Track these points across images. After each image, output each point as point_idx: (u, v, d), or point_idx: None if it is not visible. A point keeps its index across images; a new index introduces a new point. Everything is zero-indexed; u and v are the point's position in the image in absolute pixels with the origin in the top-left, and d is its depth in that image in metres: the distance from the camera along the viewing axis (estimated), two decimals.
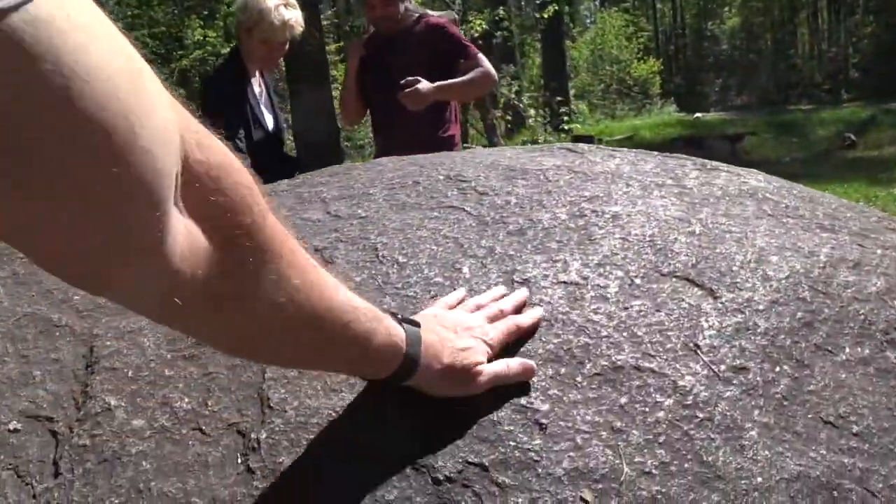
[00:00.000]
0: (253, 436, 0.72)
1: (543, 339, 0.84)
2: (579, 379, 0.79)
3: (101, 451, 0.75)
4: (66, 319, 0.98)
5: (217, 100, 2.74)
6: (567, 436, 0.73)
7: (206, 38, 16.64)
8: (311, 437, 0.71)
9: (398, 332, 0.67)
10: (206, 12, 18.44)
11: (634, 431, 0.74)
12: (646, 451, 0.73)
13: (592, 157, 1.43)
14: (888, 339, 1.00)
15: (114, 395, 0.81)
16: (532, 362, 0.79)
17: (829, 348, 0.93)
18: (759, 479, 0.72)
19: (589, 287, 0.94)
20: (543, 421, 0.74)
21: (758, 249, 1.11)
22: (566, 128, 8.65)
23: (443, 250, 1.01)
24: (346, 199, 1.23)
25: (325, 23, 14.77)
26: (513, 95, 8.72)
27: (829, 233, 1.31)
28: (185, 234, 0.46)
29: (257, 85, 2.89)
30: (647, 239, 1.07)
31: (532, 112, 8.43)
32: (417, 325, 0.71)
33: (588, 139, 9.59)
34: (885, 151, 10.40)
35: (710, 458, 0.73)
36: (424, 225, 1.09)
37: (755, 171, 1.59)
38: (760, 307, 0.95)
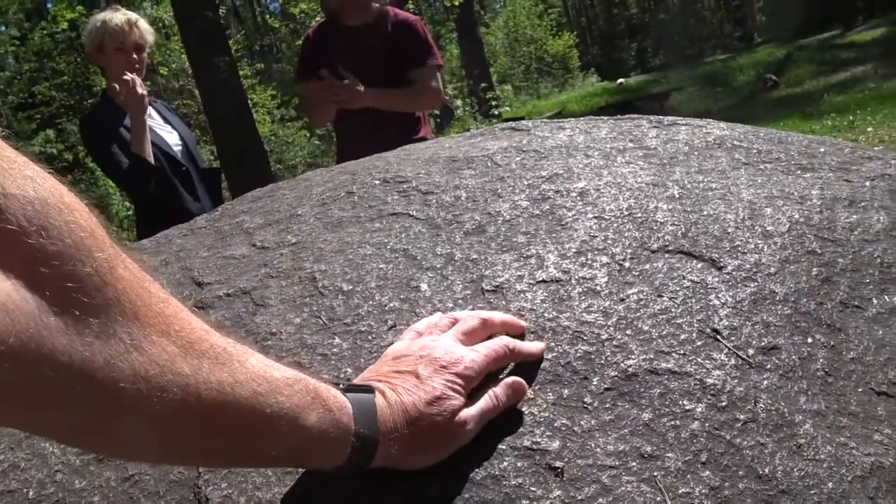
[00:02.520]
0: None
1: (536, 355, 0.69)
2: (588, 399, 0.64)
3: None
4: None
5: (93, 137, 2.61)
6: (590, 477, 0.57)
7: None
8: None
9: (341, 406, 0.53)
10: None
11: (669, 454, 0.59)
12: (688, 476, 0.58)
13: (540, 133, 1.28)
14: None
15: None
16: (520, 378, 0.63)
17: (857, 303, 0.80)
18: (830, 485, 0.58)
19: (573, 282, 0.79)
20: (557, 464, 0.58)
21: (747, 203, 0.98)
22: (496, 112, 8.55)
23: (393, 267, 0.85)
24: (272, 226, 1.06)
25: (234, 47, 14.40)
26: None
27: (811, 172, 1.19)
28: None
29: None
30: (625, 213, 0.92)
31: (459, 103, 8.31)
32: (370, 390, 0.57)
33: (519, 120, 9.51)
34: (808, 86, 10.61)
35: (766, 470, 0.58)
36: (367, 240, 0.92)
37: (716, 122, 1.47)
38: (772, 270, 0.82)
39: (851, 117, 5.74)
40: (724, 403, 0.64)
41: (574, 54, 27.52)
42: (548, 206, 0.95)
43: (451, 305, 0.77)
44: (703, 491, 0.57)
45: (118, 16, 2.60)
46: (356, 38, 2.70)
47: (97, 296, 0.39)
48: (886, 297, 0.83)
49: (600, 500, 0.56)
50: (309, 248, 0.94)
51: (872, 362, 0.72)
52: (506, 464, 0.59)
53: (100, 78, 16.24)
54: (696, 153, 1.18)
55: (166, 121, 2.82)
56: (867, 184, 1.15)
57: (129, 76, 2.51)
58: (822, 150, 1.33)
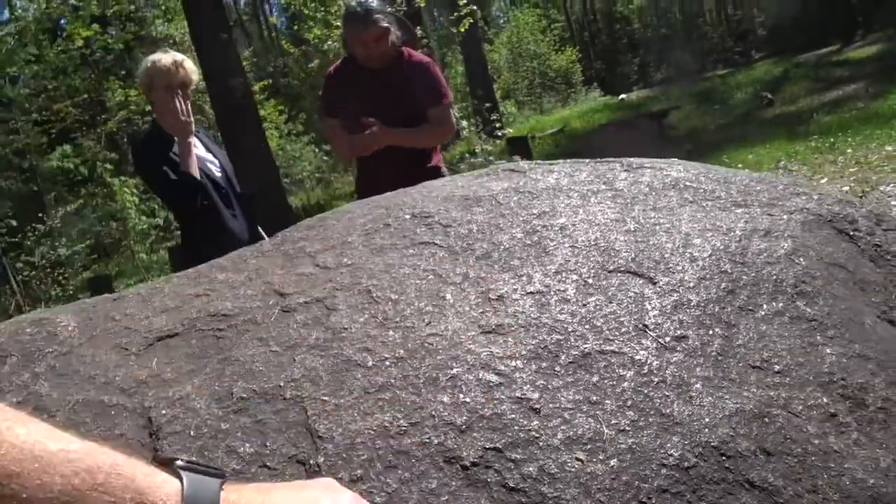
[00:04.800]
0: (311, 461, 0.90)
1: (524, 343, 1.04)
2: (558, 369, 0.99)
3: None
4: (116, 399, 1.13)
5: (149, 159, 2.93)
6: (557, 414, 0.92)
7: (128, 98, 16.51)
8: (360, 453, 0.89)
9: (163, 487, 0.44)
10: (124, 72, 18.30)
11: (607, 401, 0.94)
12: (619, 414, 0.92)
13: (534, 175, 1.63)
14: (797, 292, 1.22)
15: (184, 453, 0.97)
16: None
17: (750, 308, 1.15)
18: (707, 419, 0.93)
19: (552, 293, 1.14)
20: (537, 406, 0.93)
21: (683, 235, 1.33)
22: (500, 133, 8.94)
23: (426, 283, 1.20)
24: (329, 251, 1.41)
25: (244, 63, 14.76)
26: None
27: (742, 208, 1.54)
28: None
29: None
30: (592, 243, 1.27)
31: (465, 124, 8.71)
32: (220, 475, 0.49)
33: (522, 140, 9.94)
34: (801, 104, 10.97)
35: (667, 411, 0.93)
36: (405, 263, 1.27)
37: (676, 161, 1.82)
38: (691, 285, 1.17)
39: (833, 139, 6.08)
40: (644, 371, 0.98)
41: (577, 69, 27.94)
42: (536, 238, 1.30)
43: (467, 309, 1.12)
44: (626, 422, 0.91)
45: (166, 57, 2.95)
46: (375, 78, 2.96)
47: None
48: (774, 304, 1.17)
49: (562, 427, 0.91)
50: (362, 267, 1.29)
51: (753, 347, 1.07)
52: (505, 406, 0.93)
53: (114, 93, 16.64)
54: (654, 193, 1.53)
55: (208, 149, 3.17)
56: (785, 217, 1.50)
57: (176, 103, 2.86)
58: (758, 188, 1.67)
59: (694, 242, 1.29)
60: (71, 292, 11.18)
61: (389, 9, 3.07)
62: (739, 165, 5.99)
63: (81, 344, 1.32)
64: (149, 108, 17.02)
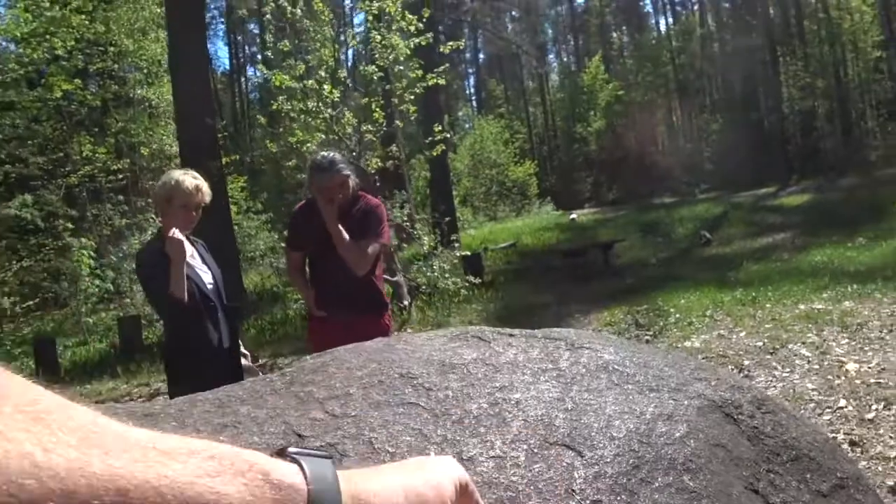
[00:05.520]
0: None
1: (486, 497, 1.43)
2: None
3: None
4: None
5: (148, 273, 3.26)
6: None
7: (96, 154, 16.69)
8: None
9: (283, 471, 0.45)
10: (96, 129, 18.55)
11: None
12: None
13: (497, 347, 2.06)
14: (685, 468, 1.66)
15: None
16: None
17: (649, 480, 1.58)
18: None
19: (507, 458, 1.55)
20: None
21: (607, 417, 1.76)
22: (458, 255, 9.61)
23: (415, 440, 1.59)
24: (335, 400, 1.79)
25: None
26: (405, 219, 9.67)
27: (654, 392, 2.00)
28: None
29: (188, 247, 3.39)
30: (539, 418, 1.69)
31: (426, 240, 9.37)
32: (329, 457, 0.52)
33: (476, 257, 10.61)
34: (735, 247, 11.96)
35: None
36: (398, 420, 1.67)
37: (610, 341, 2.28)
38: (608, 459, 1.59)
39: (755, 293, 6.78)
40: None
41: (533, 182, 29.40)
42: (498, 409, 1.72)
43: None
44: None
45: (189, 179, 3.32)
46: (340, 219, 3.48)
47: None
48: (666, 478, 1.60)
49: None
50: (363, 419, 1.68)
51: None
52: None
53: (82, 148, 16.75)
54: (589, 375, 1.97)
55: (203, 261, 3.52)
56: (685, 402, 1.95)
57: (175, 233, 3.20)
58: (670, 373, 2.14)
59: (614, 424, 1.73)
60: (8, 347, 11.04)
61: (349, 164, 3.59)
62: (672, 309, 6.59)
63: None
64: (115, 167, 17.24)
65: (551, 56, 50.07)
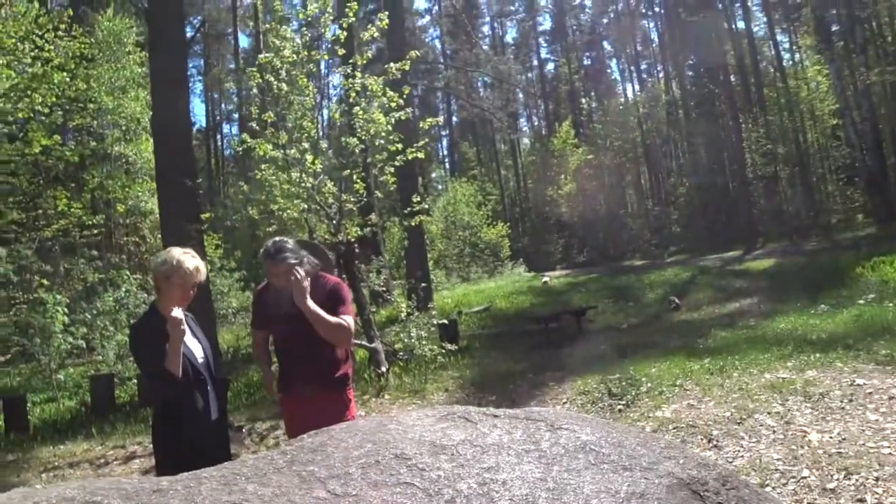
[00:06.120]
0: None
1: None
2: None
3: None
4: None
5: (139, 344, 3.36)
6: None
7: (71, 209, 16.68)
8: None
9: None
10: (73, 184, 18.58)
11: None
12: None
13: (483, 428, 2.23)
14: None
15: None
16: None
17: None
18: None
19: None
20: None
21: (585, 496, 1.92)
22: (434, 322, 9.84)
23: None
24: (335, 479, 1.93)
25: None
26: (382, 285, 9.89)
27: (628, 471, 2.16)
28: None
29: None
30: (524, 497, 1.85)
31: (403, 305, 9.58)
32: None
33: (453, 323, 10.84)
34: (703, 312, 12.28)
35: None
36: (395, 500, 1.82)
37: (587, 422, 2.45)
38: None
39: (723, 362, 7.01)
40: None
41: (505, 244, 29.84)
42: (486, 488, 1.87)
43: None
44: None
45: (189, 259, 3.43)
46: (291, 299, 3.54)
47: None
48: None
49: None
50: (364, 497, 1.82)
51: None
52: None
53: (57, 202, 16.70)
54: (568, 455, 2.13)
55: (194, 335, 3.62)
56: (656, 480, 2.12)
57: (177, 312, 3.32)
58: (642, 451, 2.31)
59: (592, 501, 1.89)
60: None
61: (299, 250, 3.62)
62: (644, 378, 6.79)
63: None
64: (89, 222, 17.20)
65: (522, 120, 51.48)
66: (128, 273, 15.77)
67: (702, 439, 4.91)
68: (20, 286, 15.68)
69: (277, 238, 3.68)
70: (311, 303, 3.47)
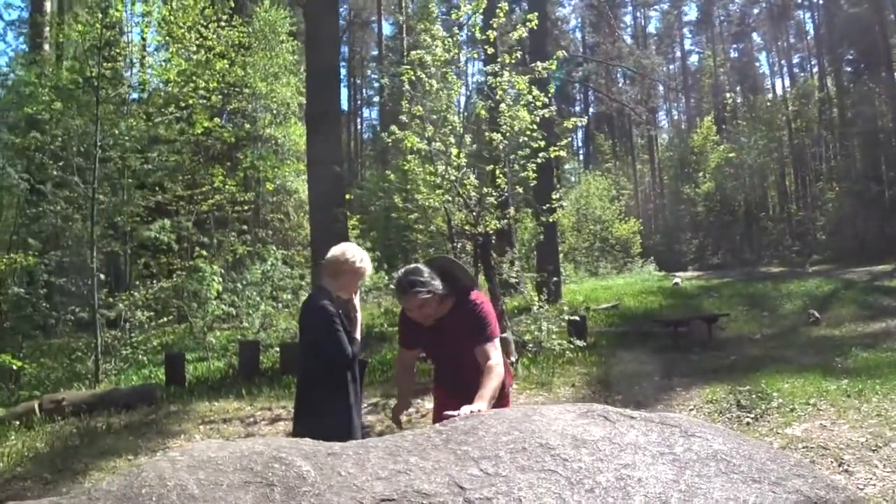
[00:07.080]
0: None
1: None
2: None
3: None
4: None
5: (334, 327, 3.68)
6: None
7: (226, 186, 18.07)
8: None
9: None
10: (228, 163, 20.15)
11: None
12: None
13: (620, 428, 2.43)
14: None
15: None
16: None
17: None
18: None
19: None
20: None
21: (714, 501, 2.08)
22: (564, 318, 10.00)
23: (555, 503, 1.98)
24: (487, 460, 2.21)
25: None
26: (514, 276, 10.14)
27: (756, 484, 2.30)
28: None
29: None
30: (657, 496, 2.04)
31: (535, 298, 9.80)
32: None
33: (582, 319, 10.94)
34: (844, 329, 11.61)
35: None
36: (541, 483, 2.06)
37: (719, 432, 2.59)
38: None
39: (861, 385, 6.71)
40: None
41: (636, 240, 29.21)
42: (623, 483, 2.09)
43: None
44: None
45: (368, 261, 3.77)
46: (445, 320, 3.52)
47: None
48: None
49: None
50: (513, 479, 2.08)
51: None
52: None
53: (214, 178, 18.17)
54: (700, 461, 2.30)
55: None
56: (784, 496, 2.25)
57: (355, 300, 3.75)
58: (772, 466, 2.43)
59: None
60: (141, 355, 12.18)
61: (431, 281, 3.41)
62: (775, 393, 6.65)
63: (323, 492, 2.11)
64: (240, 197, 18.61)
65: (661, 113, 49.90)
66: (273, 247, 17.00)
67: (832, 462, 4.82)
68: (179, 254, 17.35)
69: (411, 267, 3.56)
70: (478, 406, 3.01)
